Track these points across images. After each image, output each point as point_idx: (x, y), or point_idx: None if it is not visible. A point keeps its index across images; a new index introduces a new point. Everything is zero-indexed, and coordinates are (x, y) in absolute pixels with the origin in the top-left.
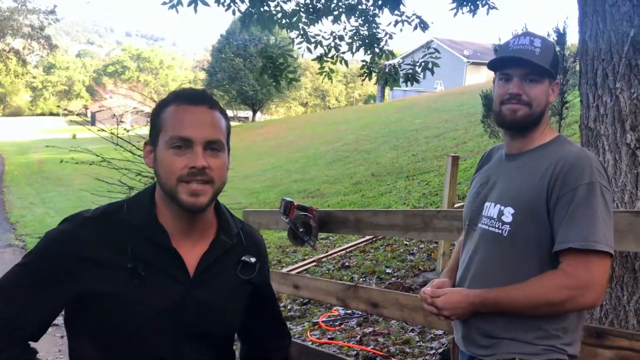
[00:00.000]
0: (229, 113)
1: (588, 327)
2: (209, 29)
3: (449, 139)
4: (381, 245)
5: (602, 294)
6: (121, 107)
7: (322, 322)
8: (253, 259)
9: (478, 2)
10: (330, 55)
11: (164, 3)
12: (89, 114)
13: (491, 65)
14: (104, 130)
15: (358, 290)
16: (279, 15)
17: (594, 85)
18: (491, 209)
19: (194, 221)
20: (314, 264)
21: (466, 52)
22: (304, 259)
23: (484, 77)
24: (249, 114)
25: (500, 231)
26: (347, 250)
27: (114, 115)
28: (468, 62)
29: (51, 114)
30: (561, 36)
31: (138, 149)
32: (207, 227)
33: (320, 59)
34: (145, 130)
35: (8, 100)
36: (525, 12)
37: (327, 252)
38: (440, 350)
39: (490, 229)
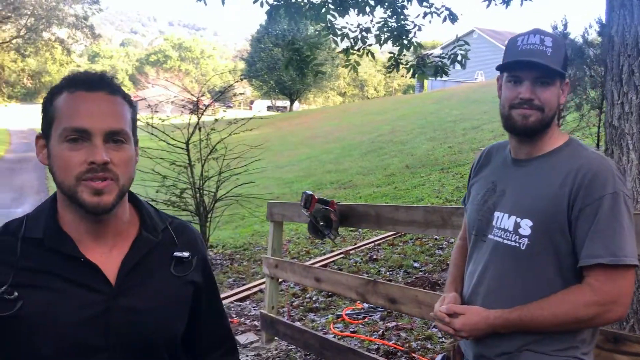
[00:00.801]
0: (267, 102)
1: (606, 331)
2: (250, 18)
3: (487, 131)
4: (410, 239)
5: (629, 307)
6: (162, 96)
7: (346, 315)
8: (187, 254)
9: None
10: (356, 48)
11: None
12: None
13: (501, 68)
14: (138, 119)
15: (377, 286)
16: (306, 7)
17: (619, 82)
18: (504, 221)
19: (103, 223)
20: (342, 256)
21: None
22: (332, 251)
23: None
24: (287, 103)
25: (517, 244)
26: (376, 243)
27: (149, 105)
28: None
29: None
30: (604, 27)
31: (172, 138)
32: (124, 227)
33: (346, 51)
34: (180, 120)
35: None
36: (566, 1)
37: (355, 244)
38: (438, 358)
39: (505, 241)
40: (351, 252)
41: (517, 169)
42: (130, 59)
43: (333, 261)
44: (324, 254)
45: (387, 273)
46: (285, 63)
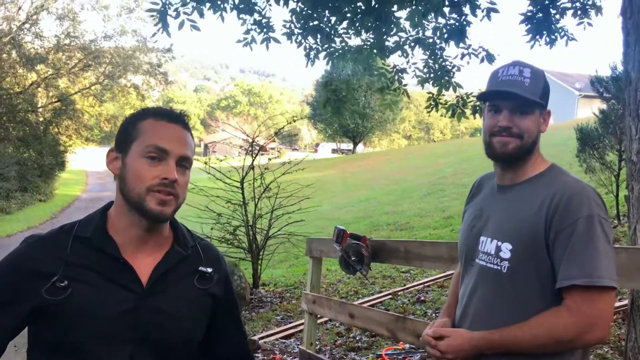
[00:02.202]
0: (332, 145)
1: None
2: (317, 64)
3: None
4: None
5: (609, 329)
6: (227, 139)
7: (386, 354)
8: (210, 269)
9: (556, 34)
10: (392, 88)
11: (239, 41)
12: (202, 145)
13: (481, 97)
14: (197, 159)
15: (406, 322)
16: (343, 50)
17: (636, 117)
18: (488, 244)
19: (149, 233)
20: (390, 296)
21: (578, 84)
22: (381, 292)
23: (597, 110)
24: (352, 146)
25: (499, 268)
26: (425, 284)
27: (206, 146)
28: (580, 95)
29: None
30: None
31: (229, 177)
32: (162, 240)
33: (382, 90)
34: (237, 162)
35: None
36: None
37: (404, 285)
38: None
39: (489, 265)
40: (399, 293)
41: (501, 195)
42: (202, 104)
43: (381, 302)
44: (372, 294)
45: (434, 315)
46: (324, 102)
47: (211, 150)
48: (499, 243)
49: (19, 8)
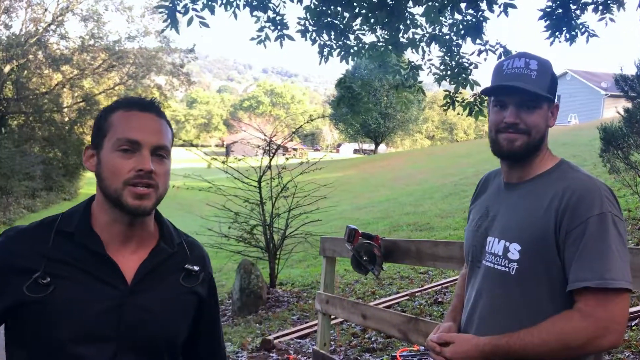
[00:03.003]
0: (354, 145)
1: None
2: (339, 64)
3: None
4: None
5: (622, 333)
6: (247, 140)
7: (400, 356)
8: (196, 267)
9: (576, 30)
10: (407, 85)
11: (252, 39)
12: (224, 145)
13: (485, 92)
14: (215, 159)
15: (418, 324)
16: (358, 47)
17: None
18: (495, 245)
19: (132, 228)
20: (407, 298)
21: (604, 84)
22: (398, 292)
23: (622, 109)
24: (374, 146)
25: (507, 269)
26: (444, 285)
27: (228, 146)
28: (606, 94)
29: (191, 144)
30: None
31: (246, 177)
32: (147, 236)
33: (397, 88)
34: (256, 162)
35: None
36: None
37: (422, 286)
38: None
39: (496, 267)
40: (417, 294)
41: (508, 193)
42: (225, 104)
43: (397, 303)
44: (389, 295)
45: None
46: (337, 100)
47: (230, 150)
48: (507, 244)
49: (45, 10)
